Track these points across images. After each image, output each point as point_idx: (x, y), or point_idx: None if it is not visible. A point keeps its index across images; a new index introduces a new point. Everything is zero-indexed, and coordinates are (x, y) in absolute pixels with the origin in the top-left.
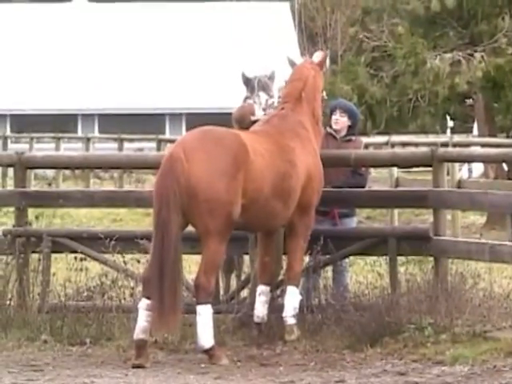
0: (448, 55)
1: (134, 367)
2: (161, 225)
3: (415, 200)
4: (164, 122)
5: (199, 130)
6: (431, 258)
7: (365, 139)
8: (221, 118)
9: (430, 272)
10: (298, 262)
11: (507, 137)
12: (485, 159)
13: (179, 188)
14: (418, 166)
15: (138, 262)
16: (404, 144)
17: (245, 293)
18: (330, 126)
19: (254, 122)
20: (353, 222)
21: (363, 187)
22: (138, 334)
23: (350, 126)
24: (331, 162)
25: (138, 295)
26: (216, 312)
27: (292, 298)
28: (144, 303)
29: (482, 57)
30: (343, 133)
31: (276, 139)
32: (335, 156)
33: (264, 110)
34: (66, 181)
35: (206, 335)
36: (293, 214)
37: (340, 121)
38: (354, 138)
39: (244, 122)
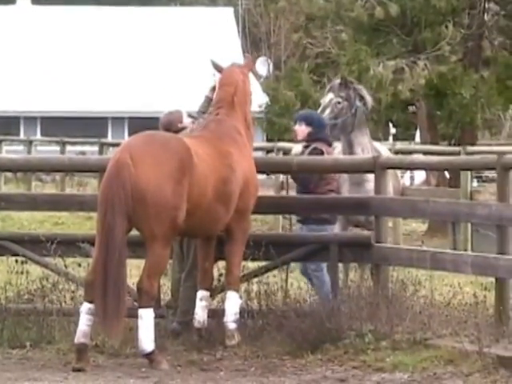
0: (391, 62)
1: (74, 371)
2: (106, 230)
3: (358, 207)
4: (106, 125)
5: (144, 135)
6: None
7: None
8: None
9: (370, 279)
10: (236, 266)
11: (449, 145)
12: (427, 167)
13: (125, 193)
14: (360, 172)
15: (79, 265)
16: None
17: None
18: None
19: (182, 129)
20: (322, 230)
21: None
22: (79, 337)
23: (310, 133)
24: (274, 168)
25: (78, 299)
26: (157, 316)
27: (232, 303)
28: (86, 307)
29: (425, 64)
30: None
31: (215, 144)
32: (277, 162)
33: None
34: (8, 183)
35: (147, 339)
36: (231, 219)
37: (298, 130)
38: (313, 144)
39: (171, 128)
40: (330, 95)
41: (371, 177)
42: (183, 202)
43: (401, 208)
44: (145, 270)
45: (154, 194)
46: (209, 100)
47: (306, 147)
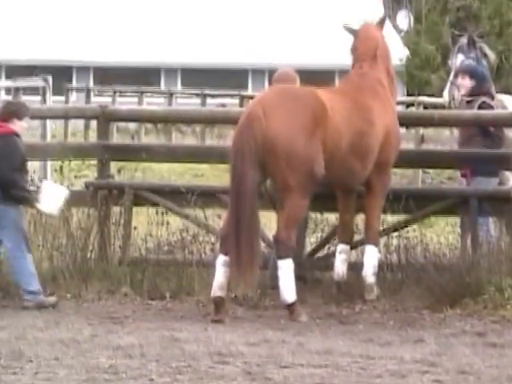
0: None
1: (213, 322)
2: (236, 179)
3: (500, 161)
4: (247, 77)
5: (277, 88)
6: None
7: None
8: (302, 75)
9: (507, 233)
10: (376, 220)
11: None
12: None
13: (256, 144)
14: (503, 126)
15: (219, 217)
16: None
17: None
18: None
19: None
20: (489, 183)
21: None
22: (216, 290)
23: (474, 86)
24: (415, 122)
25: (218, 250)
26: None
27: (371, 257)
28: (221, 259)
29: None
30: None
31: (354, 97)
32: (418, 116)
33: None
34: (148, 134)
35: (288, 290)
36: (371, 172)
37: (462, 83)
38: (479, 98)
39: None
40: (461, 56)
41: None
42: (318, 153)
43: None
44: (282, 221)
45: (284, 145)
46: None
47: (468, 102)
